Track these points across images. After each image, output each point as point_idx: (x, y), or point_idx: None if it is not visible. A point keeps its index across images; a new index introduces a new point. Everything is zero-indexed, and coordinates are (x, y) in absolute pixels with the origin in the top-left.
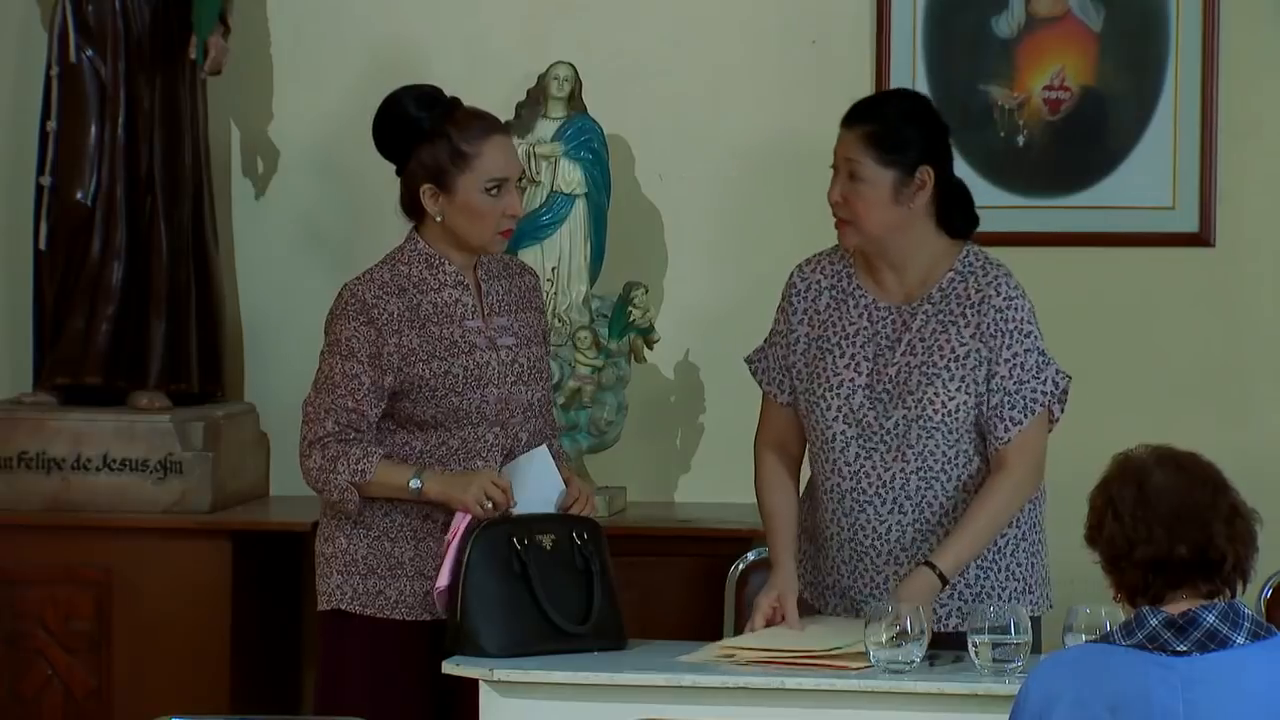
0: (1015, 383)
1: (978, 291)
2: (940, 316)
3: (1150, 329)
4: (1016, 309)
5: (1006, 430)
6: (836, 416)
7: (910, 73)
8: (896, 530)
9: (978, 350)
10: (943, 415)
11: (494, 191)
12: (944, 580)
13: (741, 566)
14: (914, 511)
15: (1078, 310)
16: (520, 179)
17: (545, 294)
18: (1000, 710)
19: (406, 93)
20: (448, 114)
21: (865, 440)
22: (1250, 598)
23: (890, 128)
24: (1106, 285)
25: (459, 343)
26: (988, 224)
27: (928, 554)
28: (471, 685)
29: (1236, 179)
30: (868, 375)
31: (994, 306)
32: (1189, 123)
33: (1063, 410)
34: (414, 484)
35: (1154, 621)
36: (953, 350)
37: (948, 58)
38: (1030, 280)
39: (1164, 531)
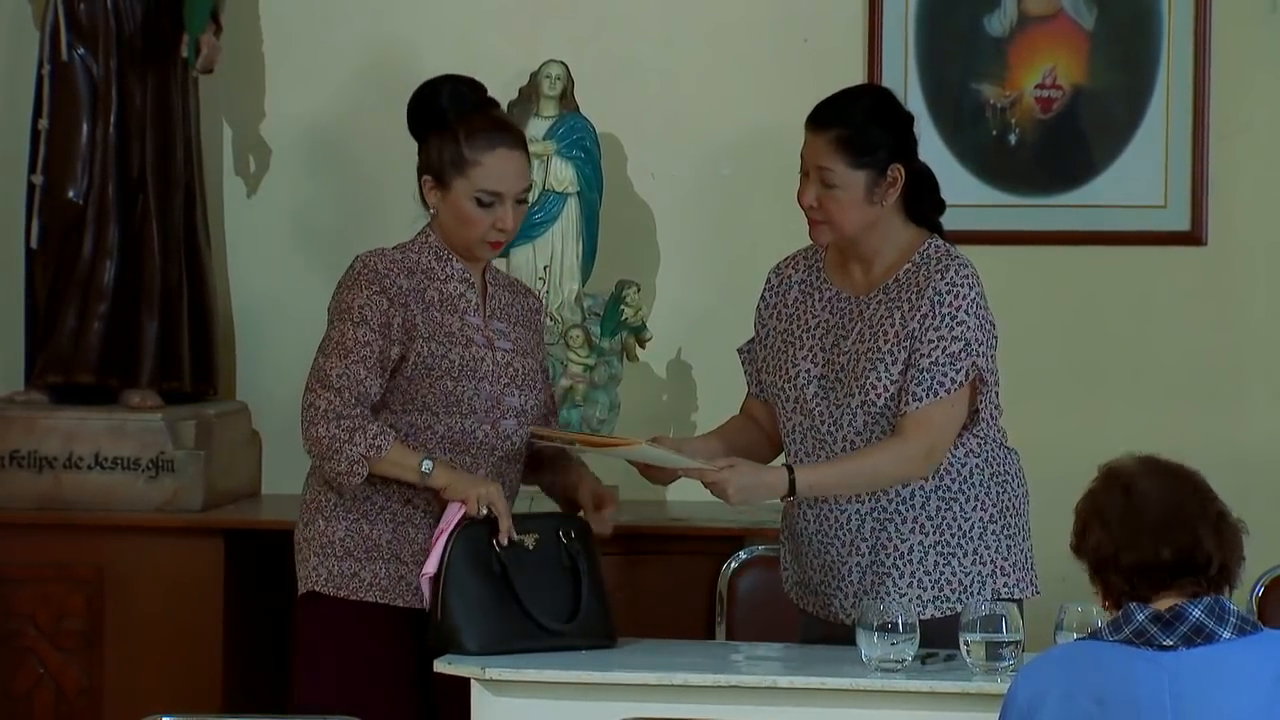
0: (930, 361)
1: (925, 278)
2: (888, 303)
3: (1142, 327)
4: (956, 296)
5: (907, 404)
6: (794, 409)
7: (902, 71)
8: (856, 520)
9: (912, 330)
10: (886, 400)
11: (486, 203)
12: (792, 489)
13: (734, 565)
14: (870, 500)
15: (1069, 309)
16: (524, 196)
17: (539, 292)
18: (992, 708)
19: (448, 81)
20: (468, 114)
21: (816, 431)
22: (1241, 596)
23: (859, 131)
24: (1098, 284)
25: (457, 334)
26: (980, 222)
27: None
28: (458, 684)
29: (1228, 177)
30: (823, 366)
31: (935, 289)
32: (1180, 121)
33: (998, 410)
34: (425, 465)
35: (1141, 617)
36: (895, 334)
37: (940, 56)
38: (1022, 279)
39: (1150, 538)
